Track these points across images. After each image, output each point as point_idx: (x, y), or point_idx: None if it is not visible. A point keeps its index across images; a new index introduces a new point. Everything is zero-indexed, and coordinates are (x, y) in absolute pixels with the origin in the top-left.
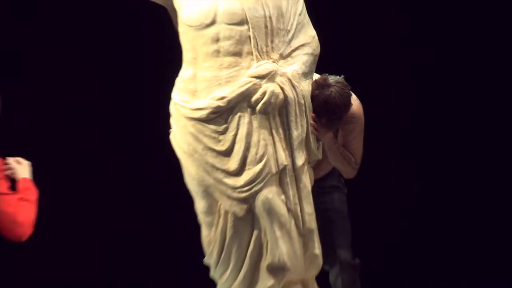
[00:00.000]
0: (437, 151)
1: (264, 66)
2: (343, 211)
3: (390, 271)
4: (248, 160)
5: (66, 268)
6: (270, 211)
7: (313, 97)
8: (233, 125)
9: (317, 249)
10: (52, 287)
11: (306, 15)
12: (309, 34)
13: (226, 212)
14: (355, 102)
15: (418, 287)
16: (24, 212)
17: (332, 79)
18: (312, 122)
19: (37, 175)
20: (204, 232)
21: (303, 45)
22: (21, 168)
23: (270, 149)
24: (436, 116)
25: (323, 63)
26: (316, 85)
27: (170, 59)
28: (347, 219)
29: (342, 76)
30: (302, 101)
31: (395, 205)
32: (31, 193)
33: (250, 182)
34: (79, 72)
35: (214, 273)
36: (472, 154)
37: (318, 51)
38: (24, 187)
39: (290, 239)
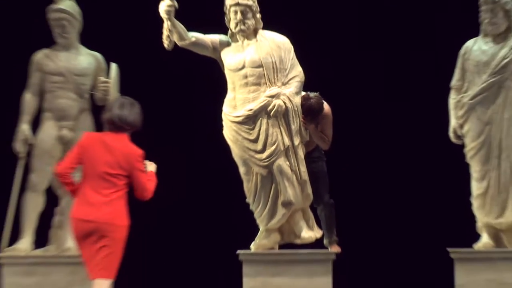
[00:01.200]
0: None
1: (273, 90)
2: (324, 172)
3: (354, 208)
4: (268, 143)
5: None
6: (281, 171)
7: (302, 105)
8: (257, 124)
9: (309, 190)
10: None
11: (295, 58)
12: (298, 70)
13: (257, 173)
14: (326, 106)
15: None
16: (149, 184)
17: (312, 94)
18: (302, 119)
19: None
20: (245, 185)
21: (294, 76)
22: (150, 165)
23: (279, 137)
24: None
25: (308, 84)
26: (303, 99)
27: (222, 88)
28: (326, 177)
29: (318, 92)
30: (296, 109)
31: (356, 169)
32: (154, 178)
33: (269, 156)
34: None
35: (252, 207)
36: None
37: (303, 79)
38: (151, 174)
39: (293, 186)
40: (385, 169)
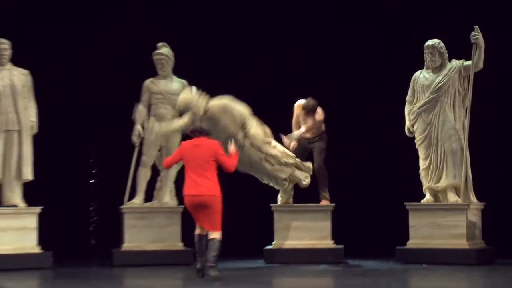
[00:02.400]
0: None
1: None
2: (322, 147)
3: (345, 173)
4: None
5: None
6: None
7: (305, 107)
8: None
9: (291, 160)
10: None
11: None
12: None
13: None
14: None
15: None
16: (230, 162)
17: (309, 98)
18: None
19: None
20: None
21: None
22: (232, 147)
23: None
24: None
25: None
26: (306, 101)
27: None
28: (323, 150)
29: (311, 97)
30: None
31: (350, 148)
32: (235, 156)
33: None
34: None
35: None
36: None
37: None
38: (233, 153)
39: (284, 170)
40: (367, 153)
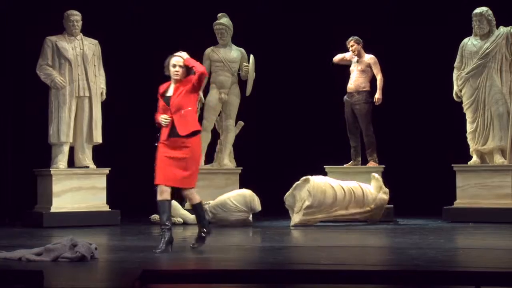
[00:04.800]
0: None
1: None
2: (364, 112)
3: (395, 136)
4: None
5: None
6: None
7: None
8: None
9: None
10: None
11: None
12: None
13: None
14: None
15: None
16: None
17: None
18: None
19: None
20: None
21: None
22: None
23: None
24: None
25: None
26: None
27: None
28: (367, 115)
29: None
30: None
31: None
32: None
33: None
34: None
35: None
36: None
37: None
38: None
39: None
40: (417, 117)
